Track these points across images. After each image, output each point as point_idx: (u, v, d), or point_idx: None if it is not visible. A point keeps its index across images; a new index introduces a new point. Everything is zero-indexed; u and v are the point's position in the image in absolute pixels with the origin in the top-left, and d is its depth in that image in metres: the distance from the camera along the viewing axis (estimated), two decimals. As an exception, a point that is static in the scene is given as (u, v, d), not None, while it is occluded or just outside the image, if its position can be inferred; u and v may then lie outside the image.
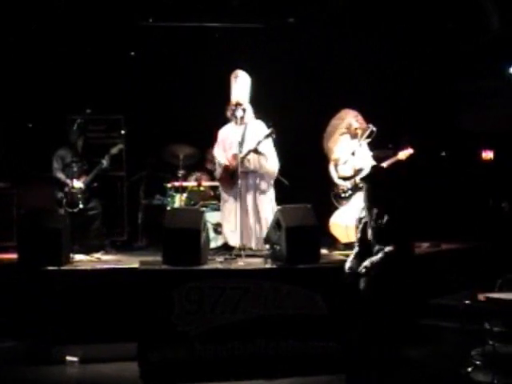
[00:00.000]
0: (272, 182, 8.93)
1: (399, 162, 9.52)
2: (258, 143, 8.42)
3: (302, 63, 11.49)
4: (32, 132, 11.23)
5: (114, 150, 9.77)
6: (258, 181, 8.73)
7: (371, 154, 9.66)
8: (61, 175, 9.41)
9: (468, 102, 11.63)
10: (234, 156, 8.48)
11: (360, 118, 9.71)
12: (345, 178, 9.66)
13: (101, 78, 11.23)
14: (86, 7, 10.69)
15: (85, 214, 9.38)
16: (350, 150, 9.60)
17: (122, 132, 10.75)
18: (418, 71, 11.51)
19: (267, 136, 8.44)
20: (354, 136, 9.68)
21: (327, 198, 9.72)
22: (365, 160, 9.57)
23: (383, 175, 6.12)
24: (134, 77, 11.39)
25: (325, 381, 6.83)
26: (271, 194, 8.88)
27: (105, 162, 9.57)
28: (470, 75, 11.37)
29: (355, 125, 9.65)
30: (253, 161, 8.54)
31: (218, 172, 8.94)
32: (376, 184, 6.39)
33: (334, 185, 9.73)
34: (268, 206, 8.76)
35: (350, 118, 9.72)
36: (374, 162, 9.59)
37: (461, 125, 11.64)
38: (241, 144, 8.44)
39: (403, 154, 9.48)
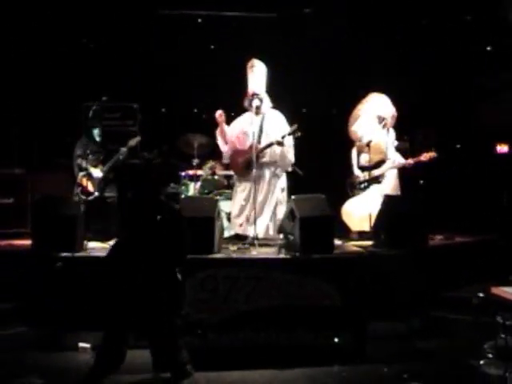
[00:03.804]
0: (285, 172, 8.97)
1: (420, 162, 9.47)
2: (283, 137, 8.41)
3: (318, 53, 11.44)
4: (47, 119, 11.23)
5: (132, 143, 9.80)
6: (273, 171, 8.73)
7: (396, 143, 9.66)
8: (82, 162, 9.48)
9: (483, 94, 11.54)
10: (252, 146, 8.45)
11: (389, 102, 9.68)
12: (363, 168, 9.64)
13: (117, 66, 11.23)
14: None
15: (100, 201, 9.43)
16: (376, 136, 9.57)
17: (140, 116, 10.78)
18: (435, 64, 11.45)
19: (293, 132, 8.43)
20: (381, 121, 9.67)
21: (341, 187, 9.72)
22: (388, 149, 9.56)
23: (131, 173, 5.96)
24: (150, 65, 11.39)
25: (337, 372, 6.82)
26: (283, 183, 8.91)
27: (122, 154, 9.62)
28: (486, 68, 11.30)
29: (379, 111, 9.65)
30: (272, 152, 8.54)
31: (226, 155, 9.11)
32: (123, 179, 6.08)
33: (351, 173, 9.72)
34: (279, 195, 8.84)
35: (377, 104, 9.72)
36: (396, 153, 9.58)
37: (476, 118, 11.57)
38: (259, 134, 8.45)
39: (425, 157, 9.41)
